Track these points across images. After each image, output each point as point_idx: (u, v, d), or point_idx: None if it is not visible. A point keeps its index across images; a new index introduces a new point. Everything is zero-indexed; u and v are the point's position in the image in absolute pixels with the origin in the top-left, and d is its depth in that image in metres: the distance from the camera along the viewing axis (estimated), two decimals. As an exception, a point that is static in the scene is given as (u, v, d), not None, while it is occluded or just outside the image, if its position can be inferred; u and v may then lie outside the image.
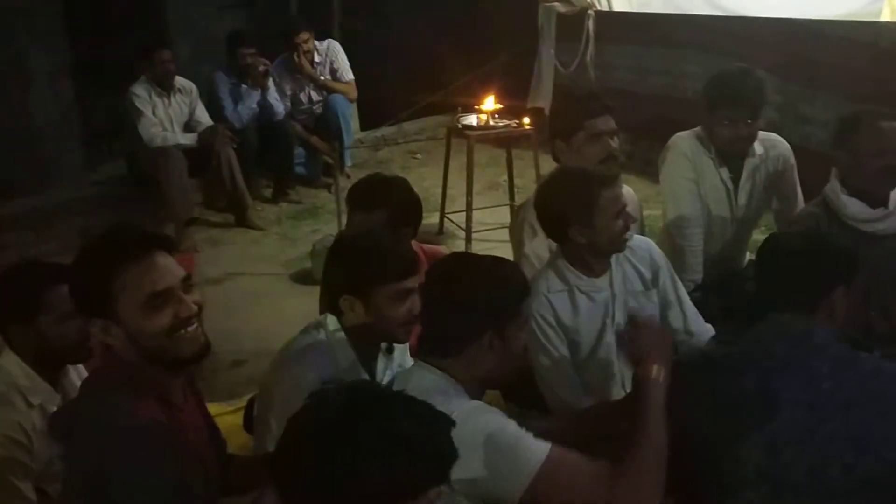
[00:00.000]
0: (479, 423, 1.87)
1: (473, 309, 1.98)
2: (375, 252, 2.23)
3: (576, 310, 2.62)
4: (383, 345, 2.35)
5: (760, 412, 1.87)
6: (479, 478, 1.83)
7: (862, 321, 2.91)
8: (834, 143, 2.96)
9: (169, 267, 1.80)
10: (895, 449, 1.81)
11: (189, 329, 1.79)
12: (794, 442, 1.84)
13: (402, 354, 2.45)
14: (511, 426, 1.89)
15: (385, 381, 2.31)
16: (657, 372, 2.07)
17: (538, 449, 1.85)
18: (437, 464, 1.38)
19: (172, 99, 5.65)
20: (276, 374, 2.28)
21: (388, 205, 2.79)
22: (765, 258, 2.14)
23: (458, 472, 1.68)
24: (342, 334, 2.27)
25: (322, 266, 2.58)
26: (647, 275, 2.76)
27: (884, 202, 2.88)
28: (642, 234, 3.17)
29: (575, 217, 2.55)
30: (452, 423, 1.44)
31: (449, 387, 1.96)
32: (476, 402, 1.94)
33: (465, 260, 2.19)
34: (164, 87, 5.59)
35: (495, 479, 1.84)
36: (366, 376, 2.27)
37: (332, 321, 2.30)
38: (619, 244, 2.60)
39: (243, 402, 3.19)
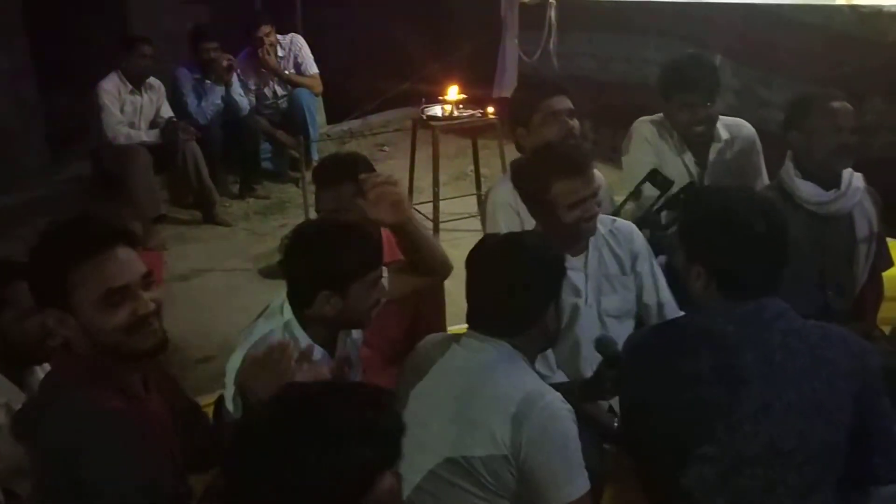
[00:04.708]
0: (564, 426, 1.97)
1: (541, 291, 2.10)
2: (353, 245, 2.21)
3: None
4: None
5: (718, 390, 1.91)
6: (533, 466, 1.95)
7: (819, 300, 2.99)
8: (787, 126, 3.00)
9: (129, 262, 1.77)
10: (846, 412, 1.89)
11: (146, 327, 1.77)
12: (752, 416, 1.88)
13: None
14: (579, 448, 1.99)
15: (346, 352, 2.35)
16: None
17: (583, 484, 1.97)
18: (382, 447, 1.38)
19: (143, 96, 5.61)
20: (240, 369, 2.25)
21: (356, 177, 2.79)
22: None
23: (526, 450, 1.92)
24: (297, 323, 2.25)
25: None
26: (626, 260, 2.79)
27: (836, 183, 2.93)
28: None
29: (533, 202, 2.68)
30: (390, 398, 1.46)
31: (514, 356, 2.07)
32: (567, 405, 2.01)
33: (516, 243, 2.21)
34: (137, 83, 5.54)
35: (544, 477, 1.95)
36: (328, 358, 2.28)
37: (286, 310, 2.27)
38: (575, 232, 2.64)
39: (213, 397, 3.18)
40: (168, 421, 1.94)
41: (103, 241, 1.75)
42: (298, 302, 2.25)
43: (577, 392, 2.57)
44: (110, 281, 1.73)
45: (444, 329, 3.01)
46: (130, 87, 5.53)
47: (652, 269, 2.83)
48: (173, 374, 3.69)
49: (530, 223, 2.85)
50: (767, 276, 1.96)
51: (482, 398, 2.00)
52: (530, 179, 2.72)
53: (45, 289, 1.76)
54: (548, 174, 2.60)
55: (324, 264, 2.18)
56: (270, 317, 2.32)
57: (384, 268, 2.35)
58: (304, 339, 2.23)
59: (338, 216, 2.66)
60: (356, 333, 2.46)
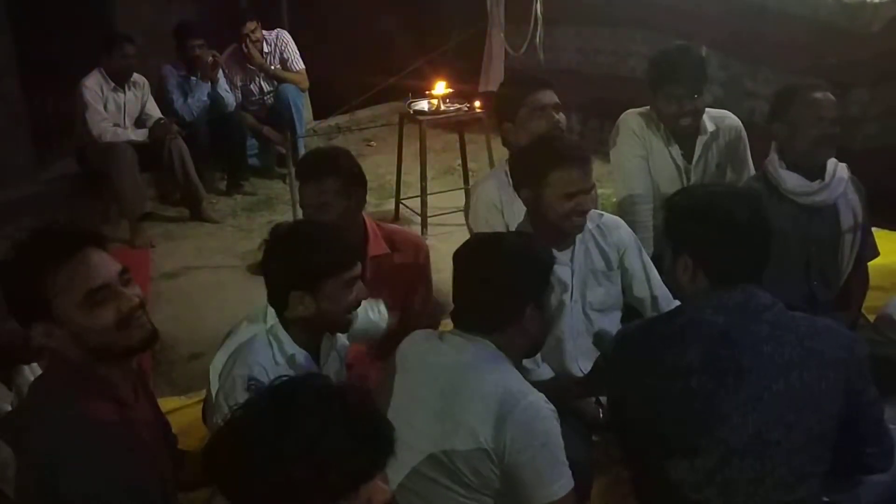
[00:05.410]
0: (547, 425, 1.97)
1: (516, 289, 2.08)
2: (323, 243, 2.20)
3: None
4: None
5: (707, 382, 1.93)
6: (517, 465, 1.95)
7: (805, 289, 3.01)
8: (771, 117, 3.02)
9: (103, 262, 1.78)
10: (835, 402, 1.91)
11: (135, 321, 1.78)
12: (741, 408, 1.90)
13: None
14: (562, 447, 1.99)
15: (329, 361, 2.33)
16: None
17: (567, 483, 1.97)
18: (368, 459, 1.37)
19: (127, 93, 5.57)
20: (222, 372, 2.25)
21: (339, 171, 2.79)
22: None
23: (510, 449, 1.92)
24: (281, 328, 2.25)
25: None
26: (613, 256, 2.81)
27: (821, 174, 2.95)
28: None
29: (527, 189, 2.69)
30: (391, 429, 1.43)
31: (498, 356, 2.06)
32: (549, 405, 2.00)
33: (497, 242, 2.23)
34: (120, 81, 5.50)
35: (528, 476, 1.96)
36: (312, 362, 2.27)
37: (271, 314, 2.28)
38: (566, 224, 2.65)
39: (202, 395, 3.19)
40: (156, 428, 1.94)
41: (72, 245, 1.76)
42: (276, 304, 2.25)
43: (576, 388, 2.59)
44: (89, 282, 1.74)
45: (432, 324, 3.02)
46: (113, 84, 5.49)
47: (643, 263, 2.84)
48: (163, 371, 3.75)
49: (514, 222, 2.86)
50: (752, 263, 1.98)
51: (465, 396, 2.00)
52: (528, 165, 2.72)
53: (24, 305, 1.75)
54: (547, 161, 2.62)
55: (293, 263, 2.18)
56: (254, 321, 2.32)
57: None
58: (287, 344, 2.23)
59: (320, 211, 2.67)
60: (342, 339, 2.45)
